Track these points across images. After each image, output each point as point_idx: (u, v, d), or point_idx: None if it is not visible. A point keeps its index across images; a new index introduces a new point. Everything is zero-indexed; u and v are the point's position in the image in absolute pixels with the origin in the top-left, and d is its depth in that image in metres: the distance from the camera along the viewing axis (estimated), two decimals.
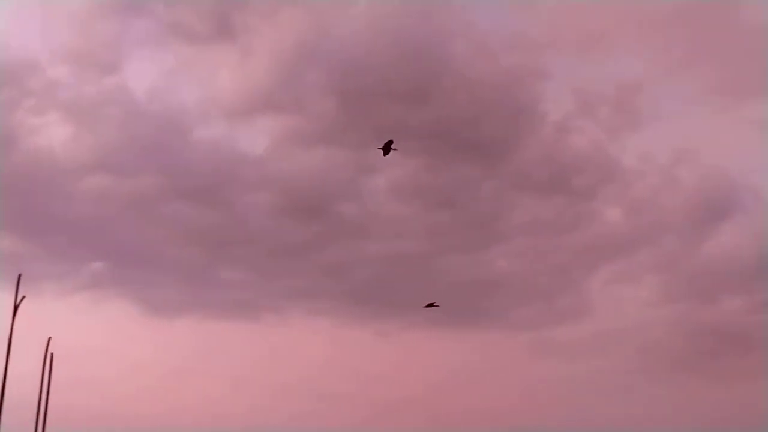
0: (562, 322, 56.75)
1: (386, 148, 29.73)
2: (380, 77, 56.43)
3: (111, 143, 56.54)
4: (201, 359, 53.67)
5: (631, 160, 58.54)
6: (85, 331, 51.44)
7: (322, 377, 54.61)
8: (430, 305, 33.98)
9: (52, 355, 23.76)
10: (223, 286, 57.52)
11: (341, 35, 57.16)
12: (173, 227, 56.47)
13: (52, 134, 56.30)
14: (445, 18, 58.03)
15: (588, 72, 60.57)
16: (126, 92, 57.52)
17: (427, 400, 53.55)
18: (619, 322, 55.22)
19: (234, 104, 58.57)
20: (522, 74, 57.52)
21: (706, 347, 54.09)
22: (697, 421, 47.82)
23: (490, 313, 57.98)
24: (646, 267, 57.00)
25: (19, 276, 21.96)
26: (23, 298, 21.97)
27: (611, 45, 60.45)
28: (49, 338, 23.71)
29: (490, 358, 56.72)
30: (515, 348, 56.70)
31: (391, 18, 56.17)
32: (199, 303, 56.01)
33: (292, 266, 58.13)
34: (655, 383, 52.22)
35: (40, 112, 55.55)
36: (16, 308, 21.86)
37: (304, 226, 58.74)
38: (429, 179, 58.78)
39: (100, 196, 56.03)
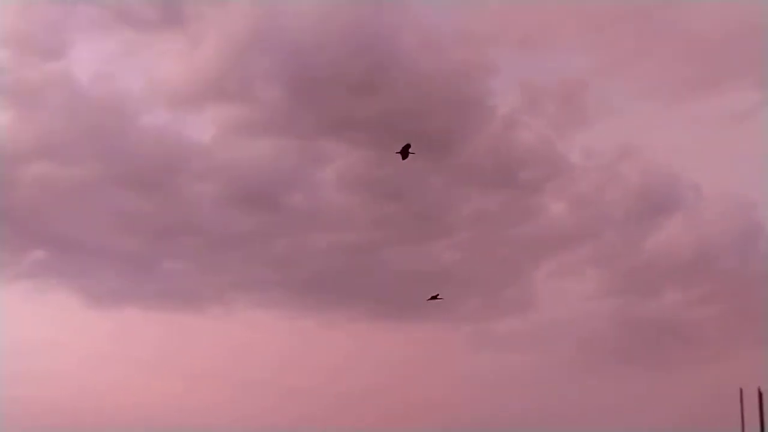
0: (505, 314, 57.45)
1: (404, 152, 29.96)
2: (329, 68, 56.33)
3: (53, 130, 55.49)
4: (147, 352, 53.27)
5: (576, 156, 59.42)
6: (30, 323, 50.93)
7: (270, 369, 54.62)
8: (434, 298, 33.40)
9: None
10: (167, 276, 57.00)
11: (291, 25, 56.86)
12: (116, 216, 55.65)
13: None
14: (395, 12, 58.01)
15: (535, 67, 61.20)
16: (69, 78, 56.38)
17: (372, 393, 53.79)
18: (561, 315, 56.03)
19: (181, 92, 57.83)
20: (470, 69, 57.94)
21: (646, 340, 55.18)
22: (637, 411, 48.94)
23: (435, 305, 58.26)
24: (589, 261, 57.91)
25: None
26: None
27: (558, 41, 61.28)
28: None
29: (434, 351, 57.20)
30: (459, 340, 57.27)
31: (340, 10, 56.04)
32: (142, 294, 55.40)
33: (238, 257, 57.76)
34: (595, 374, 53.23)
35: None
36: None
37: (250, 217, 58.48)
38: (377, 171, 58.92)
39: (41, 184, 55.09)
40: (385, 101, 57.46)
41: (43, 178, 54.91)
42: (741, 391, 25.71)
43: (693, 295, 55.51)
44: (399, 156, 30.48)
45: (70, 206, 55.37)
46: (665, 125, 59.23)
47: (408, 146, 30.25)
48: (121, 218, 55.71)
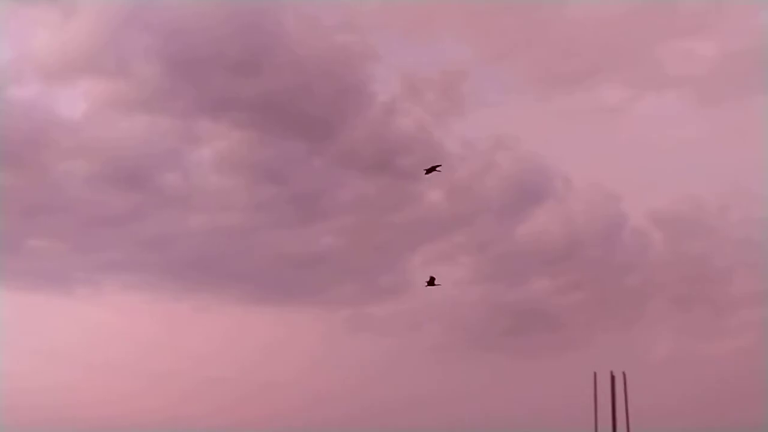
0: (382, 298, 58.12)
1: (430, 170, 30.10)
2: (210, 47, 55.49)
3: None
4: (9, 332, 51.16)
5: (454, 144, 60.39)
6: None
7: (139, 353, 53.53)
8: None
9: None
10: (33, 255, 54.95)
11: (171, 3, 55.62)
12: None
13: None
14: None
15: (416, 56, 61.79)
16: None
17: (245, 377, 53.57)
18: (435, 300, 56.99)
19: (52, 65, 55.56)
20: (352, 54, 58.00)
21: (515, 325, 56.87)
22: (506, 394, 50.48)
23: (312, 288, 58.53)
24: (463, 248, 59.10)
25: None
26: None
27: (440, 31, 61.90)
28: None
29: (311, 334, 57.36)
30: (336, 323, 57.57)
31: None
32: (5, 272, 53.10)
33: (109, 237, 56.33)
34: (466, 358, 54.63)
35: None
36: None
37: (123, 196, 56.99)
38: (256, 153, 58.54)
39: None
40: (266, 83, 57.17)
41: None
42: (595, 374, 26.84)
43: (560, 282, 57.51)
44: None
45: None
46: (539, 117, 60.89)
47: (435, 167, 30.16)
48: None
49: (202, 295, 56.80)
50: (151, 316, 55.38)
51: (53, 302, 54.45)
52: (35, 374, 50.44)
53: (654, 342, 53.21)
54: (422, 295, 57.39)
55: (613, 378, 26.74)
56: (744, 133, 59.48)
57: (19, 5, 55.94)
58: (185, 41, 55.32)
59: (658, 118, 60.63)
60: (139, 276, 56.36)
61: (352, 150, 58.38)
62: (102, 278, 55.89)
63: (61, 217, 55.59)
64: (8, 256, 53.39)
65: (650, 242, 59.01)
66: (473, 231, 59.59)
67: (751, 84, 60.46)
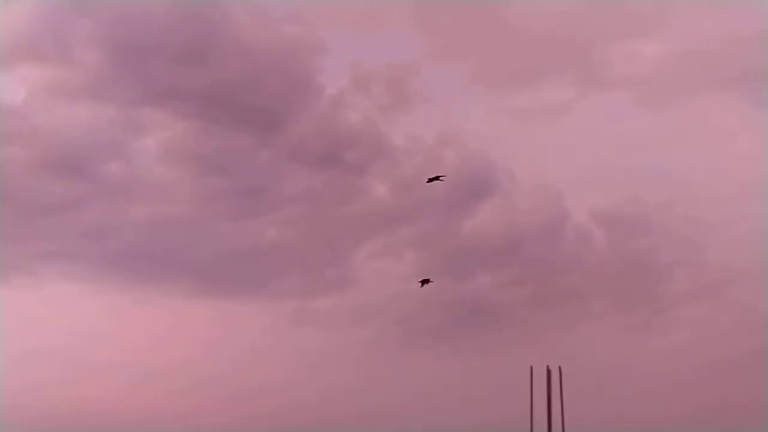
0: (327, 292, 57.93)
1: (433, 179, 30.49)
2: (155, 35, 54.81)
3: None
4: None
5: (400, 139, 60.38)
6: None
7: (76, 344, 52.57)
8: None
9: None
10: None
11: None
12: None
13: None
14: None
15: (365, 49, 61.51)
16: None
17: (186, 370, 52.98)
18: (380, 295, 57.06)
19: None
20: (301, 46, 57.77)
21: (459, 320, 57.11)
22: (447, 389, 50.75)
23: (256, 281, 58.13)
24: (408, 242, 59.17)
25: None
26: None
27: (390, 24, 61.79)
28: None
29: (255, 327, 56.91)
30: (280, 317, 57.24)
31: None
32: None
33: (48, 226, 55.15)
34: (411, 352, 54.73)
35: None
36: None
37: (63, 185, 55.90)
38: (201, 144, 57.92)
39: None
40: (212, 73, 56.57)
41: None
42: (531, 369, 27.12)
43: (503, 278, 57.92)
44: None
45: None
46: (486, 114, 61.23)
47: (439, 177, 30.46)
48: None
49: (143, 287, 55.98)
50: (90, 308, 54.41)
51: None
52: None
53: (594, 338, 53.88)
54: (367, 289, 57.48)
55: (549, 372, 27.02)
56: (687, 134, 60.64)
57: None
58: (130, 28, 54.70)
59: (602, 117, 61.38)
60: (78, 266, 55.33)
61: (299, 143, 58.18)
62: (40, 268, 54.77)
63: None
64: None
65: (592, 240, 59.78)
66: (418, 226, 59.72)
67: (695, 85, 61.69)
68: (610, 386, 46.83)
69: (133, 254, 56.03)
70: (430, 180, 31.42)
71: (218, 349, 54.82)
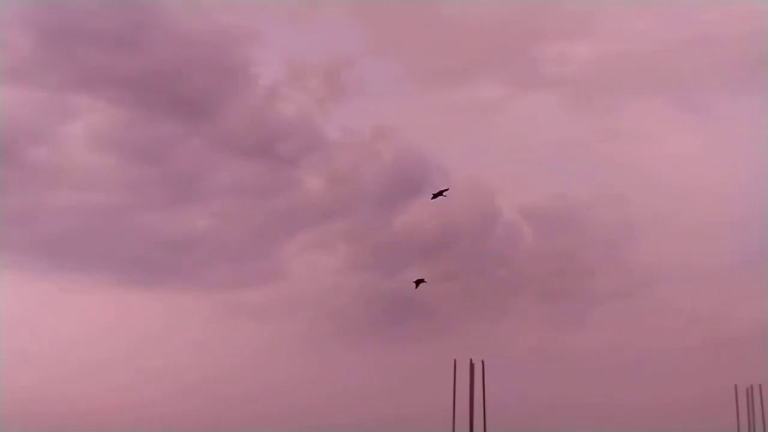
0: (256, 284, 57.67)
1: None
2: (86, 19, 53.73)
3: None
4: None
5: (335, 132, 60.40)
6: None
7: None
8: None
9: None
10: None
11: None
12: None
13: None
14: None
15: (301, 41, 61.47)
16: None
17: (114, 361, 52.12)
18: (311, 287, 57.03)
19: None
20: (236, 35, 57.20)
21: (390, 314, 57.41)
22: (378, 382, 51.00)
23: (186, 272, 57.56)
24: (341, 236, 59.30)
25: None
26: None
27: (325, 17, 61.69)
28: None
29: (183, 319, 56.34)
30: (208, 308, 56.75)
31: None
32: None
33: None
34: (340, 346, 54.81)
35: None
36: None
37: None
38: (131, 131, 57.03)
39: None
40: (145, 60, 55.72)
41: None
42: (455, 362, 27.51)
43: (434, 272, 58.28)
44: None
45: None
46: (420, 110, 61.67)
47: (442, 192, 30.72)
48: None
49: (70, 275, 54.83)
50: (15, 295, 53.12)
51: None
52: None
53: (520, 333, 54.79)
54: (299, 281, 57.41)
55: (472, 366, 27.40)
56: (615, 135, 62.00)
57: None
58: (61, 12, 53.47)
59: (533, 116, 62.35)
60: (2, 253, 53.95)
61: (232, 133, 57.75)
62: None
63: None
64: None
65: (521, 237, 60.74)
66: (351, 219, 59.89)
67: (625, 87, 63.14)
68: (532, 380, 47.64)
69: (60, 242, 55.07)
70: (435, 196, 31.66)
71: (149, 339, 54.17)
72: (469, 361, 27.30)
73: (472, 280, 58.11)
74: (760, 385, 29.95)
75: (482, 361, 27.27)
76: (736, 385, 30.17)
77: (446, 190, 31.69)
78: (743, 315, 54.13)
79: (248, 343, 54.15)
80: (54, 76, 54.87)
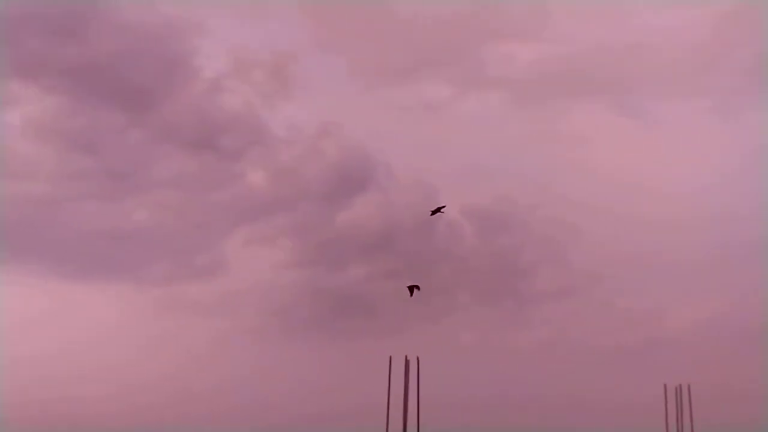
0: (196, 279, 57.09)
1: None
2: (25, 6, 52.54)
3: None
4: None
5: (279, 127, 60.06)
6: None
7: None
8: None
9: None
10: None
11: None
12: None
13: None
14: None
15: (246, 34, 60.97)
16: None
17: (50, 357, 51.03)
18: (253, 283, 56.64)
19: None
20: (179, 26, 56.54)
21: (332, 311, 57.33)
22: (318, 379, 50.82)
23: (125, 266, 56.70)
24: (283, 231, 59.00)
25: None
26: None
27: (272, 11, 61.30)
28: None
29: (121, 313, 55.48)
30: (147, 303, 55.99)
31: None
32: None
33: None
34: (285, 341, 54.56)
35: None
36: None
37: None
38: (69, 120, 55.98)
39: None
40: (85, 48, 54.78)
41: None
42: (390, 359, 27.53)
43: (376, 269, 58.43)
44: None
45: None
46: (366, 107, 61.66)
47: (440, 209, 30.94)
48: None
49: (3, 266, 53.56)
50: None
51: None
52: None
53: (461, 331, 55.12)
54: (240, 276, 56.93)
55: (407, 362, 27.41)
56: (557, 137, 62.73)
57: None
58: None
59: (478, 116, 62.85)
60: None
61: (174, 125, 57.06)
62: None
63: None
64: None
65: (463, 235, 61.08)
66: (295, 215, 59.66)
67: (567, 90, 63.92)
68: (472, 377, 47.95)
69: None
70: (433, 212, 31.88)
71: (88, 333, 53.23)
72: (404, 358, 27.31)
73: (414, 278, 58.19)
74: (689, 385, 30.43)
75: (417, 358, 27.29)
76: (665, 385, 30.58)
77: (444, 207, 31.97)
78: (679, 314, 55.32)
79: (188, 338, 53.55)
80: None
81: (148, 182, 56.91)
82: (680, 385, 30.42)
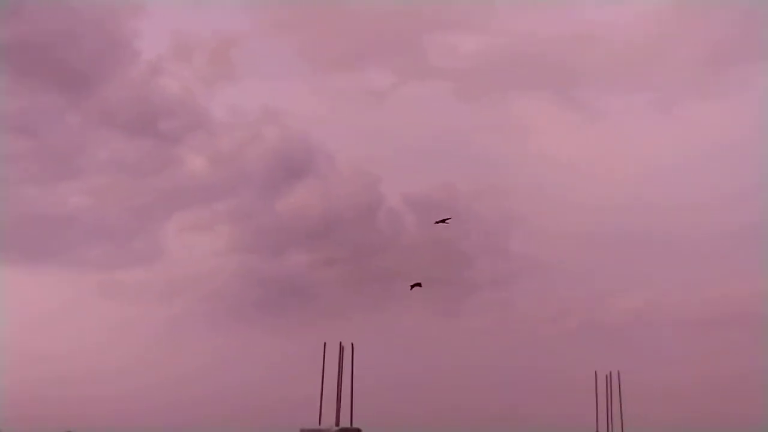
0: (134, 264, 56.36)
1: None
2: None
3: None
4: None
5: (220, 112, 59.58)
6: None
7: None
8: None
9: None
10: None
11: None
12: None
13: None
14: None
15: (188, 17, 60.18)
16: None
17: None
18: (190, 268, 56.15)
19: None
20: (118, 7, 55.54)
21: (270, 298, 57.13)
22: (254, 365, 50.58)
23: (60, 250, 55.73)
24: (222, 217, 58.56)
25: None
26: None
27: None
28: None
29: (59, 298, 54.57)
30: (84, 288, 55.13)
31: None
32: None
33: None
34: (221, 330, 54.15)
35: None
36: None
37: None
38: (5, 102, 54.61)
39: None
40: (22, 28, 53.36)
41: None
42: (324, 345, 27.45)
43: (316, 257, 58.41)
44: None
45: None
46: (308, 94, 61.41)
47: (445, 220, 31.44)
48: None
49: None
50: None
51: None
52: None
53: (399, 318, 55.36)
54: (177, 262, 56.34)
55: (341, 349, 27.44)
56: (498, 127, 63.26)
57: None
58: None
59: (420, 106, 63.00)
60: None
61: (112, 108, 56.12)
62: None
63: None
64: None
65: (404, 224, 61.35)
66: (234, 201, 59.25)
67: (510, 82, 64.48)
68: (407, 364, 48.25)
69: None
70: (438, 222, 32.11)
71: (15, 320, 52.12)
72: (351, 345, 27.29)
73: (354, 266, 58.41)
74: (618, 372, 31.10)
75: (351, 344, 27.30)
76: (596, 371, 31.22)
77: (449, 218, 32.61)
78: (614, 303, 56.44)
79: (119, 323, 52.86)
80: None
81: (85, 166, 56.02)
82: (610, 372, 31.07)
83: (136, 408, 46.92)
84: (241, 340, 53.33)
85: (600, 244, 57.30)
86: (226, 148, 59.17)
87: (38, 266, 54.97)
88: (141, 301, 54.75)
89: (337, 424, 26.34)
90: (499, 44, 62.93)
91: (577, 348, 51.45)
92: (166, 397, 48.15)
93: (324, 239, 58.75)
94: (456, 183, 60.87)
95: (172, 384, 48.98)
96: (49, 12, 53.82)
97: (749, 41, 59.70)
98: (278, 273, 57.46)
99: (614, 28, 61.67)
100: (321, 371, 26.94)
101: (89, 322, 52.94)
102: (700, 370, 48.51)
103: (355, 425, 26.62)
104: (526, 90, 64.32)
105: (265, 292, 56.86)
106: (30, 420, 43.50)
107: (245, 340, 53.38)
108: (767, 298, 50.16)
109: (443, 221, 32.64)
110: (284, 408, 43.09)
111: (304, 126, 59.64)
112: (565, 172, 60.74)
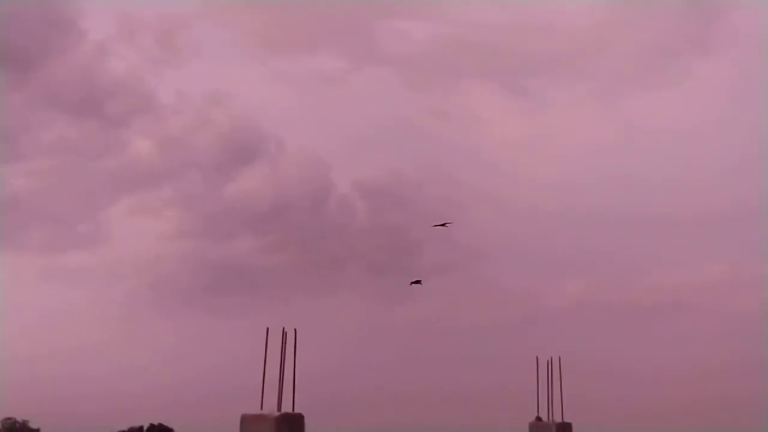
0: (77, 247, 55.74)
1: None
2: None
3: None
4: None
5: (167, 95, 58.93)
6: None
7: None
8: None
9: None
10: None
11: None
12: None
13: None
14: None
15: None
16: None
17: None
18: (135, 252, 55.66)
19: None
20: None
21: (216, 282, 56.96)
22: (199, 351, 50.37)
23: (2, 233, 54.77)
24: (169, 202, 58.09)
25: None
26: None
27: None
28: None
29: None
30: (26, 271, 54.38)
31: None
32: None
33: None
34: (164, 314, 53.82)
35: None
36: None
37: None
38: None
39: None
40: None
41: None
42: (267, 330, 27.33)
43: (264, 242, 58.38)
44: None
45: None
46: (258, 78, 61.17)
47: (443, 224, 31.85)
48: None
49: None
50: None
51: None
52: None
53: (347, 304, 55.65)
54: (122, 246, 55.76)
55: (284, 334, 27.40)
56: (448, 115, 63.73)
57: None
58: None
59: (370, 92, 63.26)
60: None
61: (56, 89, 55.19)
62: None
63: None
64: None
65: (353, 211, 61.62)
66: (181, 185, 58.82)
67: (460, 70, 64.90)
68: (351, 349, 48.56)
69: None
70: (437, 226, 32.50)
71: None
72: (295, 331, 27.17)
73: (303, 252, 58.49)
74: (560, 357, 31.61)
75: (294, 330, 27.19)
76: (537, 357, 31.66)
77: (450, 222, 32.86)
78: (553, 293, 57.38)
79: (63, 307, 52.28)
80: None
81: (27, 148, 55.03)
82: (551, 357, 31.53)
83: (76, 393, 46.53)
84: (185, 326, 53.10)
85: (548, 231, 58.21)
86: (174, 132, 58.68)
87: None
88: (85, 285, 54.20)
89: (279, 409, 26.26)
90: (449, 32, 63.36)
91: (520, 334, 52.30)
92: (111, 385, 47.83)
93: (272, 225, 58.74)
94: (405, 170, 61.30)
95: (115, 374, 48.66)
96: None
97: (691, 33, 60.94)
98: (225, 258, 57.31)
99: (562, 18, 62.45)
100: (263, 356, 26.86)
101: (30, 306, 52.26)
102: (640, 356, 49.65)
103: (297, 411, 26.58)
104: (474, 78, 64.89)
105: (212, 277, 56.64)
106: None
107: (190, 326, 53.13)
108: (706, 289, 51.51)
109: (442, 225, 33.05)
110: (228, 394, 43.09)
111: (253, 111, 59.62)
112: (511, 162, 61.48)
